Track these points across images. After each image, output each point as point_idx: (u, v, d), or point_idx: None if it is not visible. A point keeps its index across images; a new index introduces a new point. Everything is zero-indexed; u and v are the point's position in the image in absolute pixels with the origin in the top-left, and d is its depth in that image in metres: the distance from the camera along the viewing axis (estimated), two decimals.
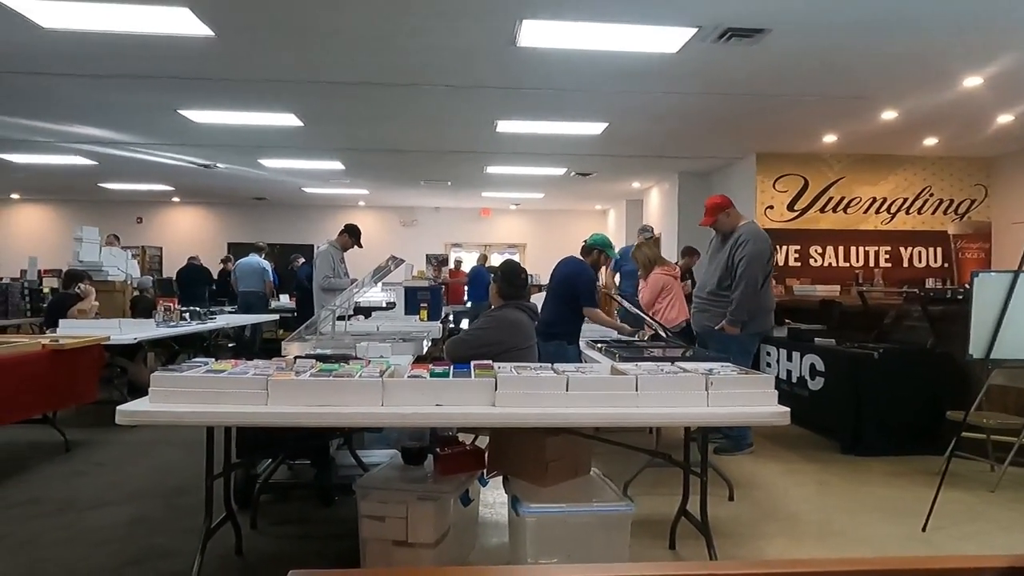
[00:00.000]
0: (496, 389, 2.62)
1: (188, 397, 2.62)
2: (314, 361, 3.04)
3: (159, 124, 8.02)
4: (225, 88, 6.45)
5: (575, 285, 5.01)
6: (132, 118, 7.78)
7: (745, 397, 2.68)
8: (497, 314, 4.05)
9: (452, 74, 5.95)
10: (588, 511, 2.74)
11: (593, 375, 2.84)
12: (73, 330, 5.65)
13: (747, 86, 6.21)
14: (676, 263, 7.50)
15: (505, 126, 7.80)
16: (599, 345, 4.79)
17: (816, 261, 9.32)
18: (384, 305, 9.52)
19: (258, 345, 9.89)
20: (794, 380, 5.86)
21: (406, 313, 8.66)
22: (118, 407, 2.56)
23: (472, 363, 3.01)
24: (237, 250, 14.40)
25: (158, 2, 4.54)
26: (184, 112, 7.36)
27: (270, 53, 5.52)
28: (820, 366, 5.59)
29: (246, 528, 3.35)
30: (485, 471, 3.16)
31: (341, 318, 5.51)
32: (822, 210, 9.29)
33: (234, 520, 3.12)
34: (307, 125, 7.82)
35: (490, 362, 3.09)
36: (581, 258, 5.22)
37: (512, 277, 4.14)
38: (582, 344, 4.95)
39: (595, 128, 7.87)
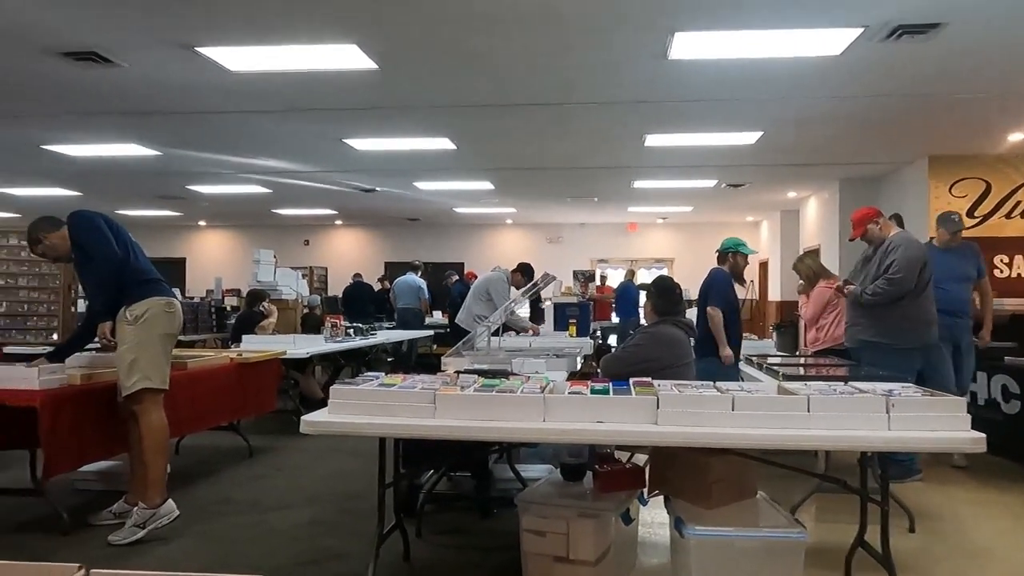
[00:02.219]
0: (658, 407, 2.59)
1: (363, 409, 2.78)
2: (476, 376, 3.15)
3: (326, 153, 8.62)
4: (386, 117, 6.84)
5: (707, 293, 4.92)
6: (303, 148, 8.41)
7: (932, 421, 2.48)
8: (652, 330, 4.01)
9: (601, 90, 5.98)
10: (758, 536, 2.64)
11: (760, 394, 2.73)
12: (255, 345, 6.17)
13: (918, 85, 5.79)
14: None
15: (654, 140, 7.72)
16: (758, 362, 4.61)
17: (1002, 272, 8.45)
18: (525, 319, 9.63)
19: (414, 359, 10.34)
20: (981, 403, 5.35)
21: (555, 329, 8.76)
22: (302, 417, 2.76)
23: (631, 380, 3.00)
24: (393, 269, 15.17)
25: (329, 41, 4.90)
26: (349, 141, 7.87)
27: (427, 81, 5.79)
28: (1014, 388, 5.07)
29: (411, 536, 3.50)
30: (646, 490, 3.12)
31: (495, 334, 5.65)
32: (1008, 215, 8.43)
33: (402, 528, 3.26)
34: (460, 148, 8.12)
35: (649, 379, 3.06)
36: (722, 268, 5.12)
37: (667, 293, 4.09)
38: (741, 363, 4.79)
39: (748, 138, 7.62)
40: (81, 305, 7.00)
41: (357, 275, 13.94)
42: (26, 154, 8.57)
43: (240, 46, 5.01)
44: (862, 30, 4.60)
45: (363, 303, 12.26)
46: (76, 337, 4.08)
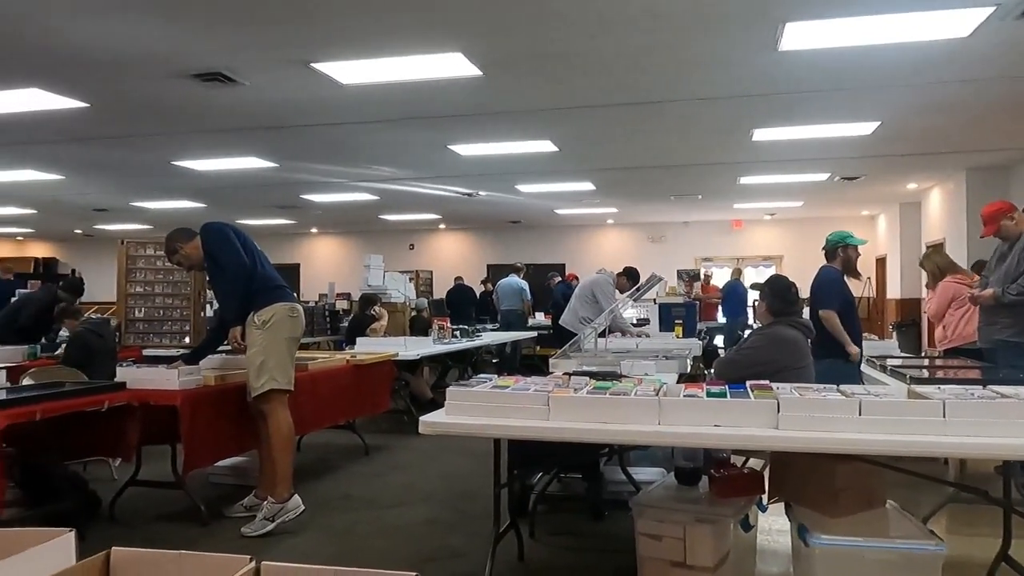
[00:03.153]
0: (779, 411, 2.52)
1: (478, 411, 2.84)
2: (588, 379, 3.15)
3: (431, 159, 8.83)
4: (490, 122, 6.94)
5: (817, 295, 4.69)
6: (409, 156, 8.65)
7: None
8: (768, 331, 3.89)
9: (707, 86, 5.85)
10: (890, 547, 2.51)
11: (889, 399, 2.60)
12: (368, 347, 6.40)
13: None
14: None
15: (762, 134, 7.48)
16: (881, 364, 4.39)
17: None
18: (635, 321, 9.54)
19: (518, 361, 10.44)
20: None
21: (660, 330, 8.63)
22: (421, 418, 2.85)
23: (748, 383, 2.92)
24: (495, 271, 15.37)
25: (436, 51, 5.02)
26: (453, 147, 8.03)
27: (531, 85, 5.84)
28: None
29: (524, 536, 3.54)
30: (765, 496, 3.04)
31: (601, 335, 5.63)
32: None
33: (517, 529, 3.31)
34: (562, 149, 8.14)
35: (767, 382, 2.98)
36: (832, 266, 4.85)
37: (782, 292, 3.96)
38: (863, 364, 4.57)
39: (865, 128, 7.26)
40: (209, 310, 7.47)
41: (459, 278, 14.22)
42: (158, 170, 9.22)
43: (352, 60, 5.20)
44: (994, 8, 4.29)
45: (465, 305, 12.48)
46: (209, 341, 4.37)
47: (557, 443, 2.99)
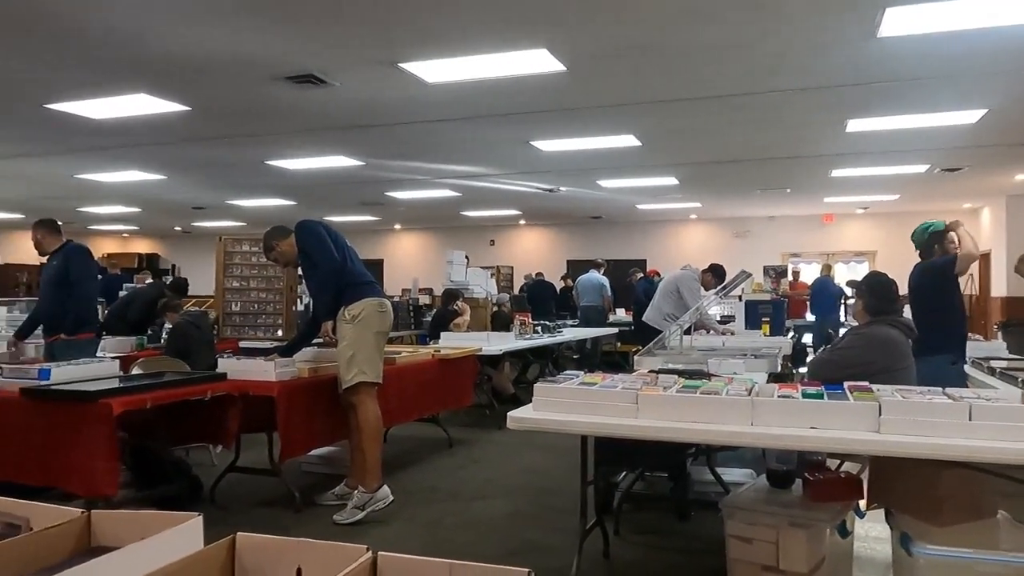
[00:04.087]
0: (880, 414, 2.42)
1: (566, 407, 2.84)
2: (676, 377, 3.11)
3: (513, 156, 8.87)
4: (572, 117, 6.91)
5: (916, 290, 4.45)
6: (491, 152, 8.72)
7: None
8: (865, 331, 3.73)
9: (800, 76, 5.66)
10: (1003, 560, 2.38)
11: (1001, 403, 2.47)
12: (452, 342, 6.49)
13: None
14: None
15: (857, 125, 7.18)
16: (988, 367, 4.16)
17: None
18: (719, 319, 9.33)
19: (599, 357, 10.39)
20: None
21: (746, 327, 8.40)
22: (508, 413, 2.87)
23: (846, 384, 2.82)
24: (575, 267, 15.32)
25: (520, 47, 5.03)
26: (535, 143, 8.05)
27: (615, 79, 5.78)
28: None
29: (610, 534, 3.52)
30: (863, 501, 2.93)
31: (687, 332, 5.53)
32: None
33: (603, 526, 3.30)
34: (645, 144, 8.04)
35: (867, 384, 2.87)
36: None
37: (881, 290, 3.79)
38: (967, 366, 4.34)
39: (969, 117, 6.86)
40: (300, 305, 7.74)
41: (539, 274, 14.24)
42: (252, 170, 9.61)
43: (437, 59, 5.27)
44: None
45: (546, 301, 12.49)
46: (302, 334, 4.53)
47: (644, 441, 2.97)
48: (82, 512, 1.14)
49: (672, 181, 10.74)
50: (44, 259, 5.12)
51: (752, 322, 8.51)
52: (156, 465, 4.08)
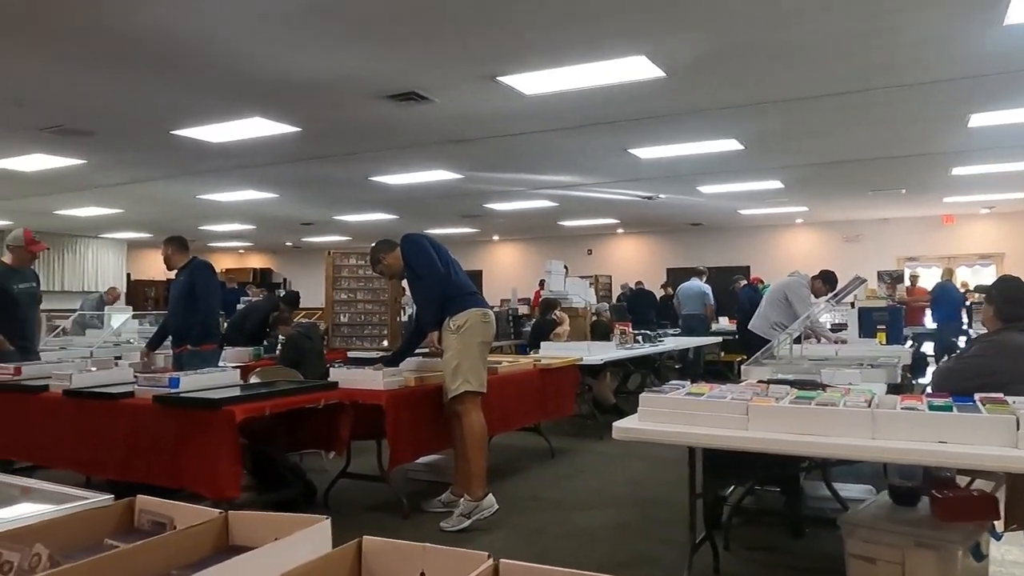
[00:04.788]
0: (1019, 428, 2.25)
1: (672, 417, 2.78)
2: (788, 387, 3.00)
3: (610, 164, 8.83)
4: (672, 123, 6.82)
5: None
6: (589, 162, 8.71)
7: None
8: (996, 338, 3.48)
9: (917, 70, 5.37)
10: None
11: None
12: (552, 351, 6.50)
13: None
14: None
15: (980, 119, 6.74)
16: None
17: None
18: (829, 327, 8.92)
19: (702, 367, 10.15)
20: None
21: (860, 336, 8.01)
22: (613, 424, 2.84)
23: (976, 396, 2.64)
24: (675, 275, 15.04)
25: (618, 56, 5.02)
26: (633, 150, 7.99)
27: (716, 83, 5.67)
28: None
29: (720, 548, 3.43)
30: (1000, 522, 2.72)
31: (797, 341, 5.33)
32: None
33: (712, 540, 3.21)
34: (748, 148, 7.83)
35: (1001, 395, 2.67)
36: None
37: (1014, 295, 3.53)
38: None
39: None
40: (404, 315, 7.95)
41: (639, 282, 14.08)
42: (357, 186, 9.98)
43: (535, 71, 5.33)
44: None
45: (645, 310, 12.32)
46: (407, 344, 4.66)
47: (754, 454, 2.87)
48: (220, 513, 1.22)
49: (776, 185, 10.40)
50: (171, 274, 5.47)
51: (867, 330, 8.09)
52: (274, 470, 4.28)
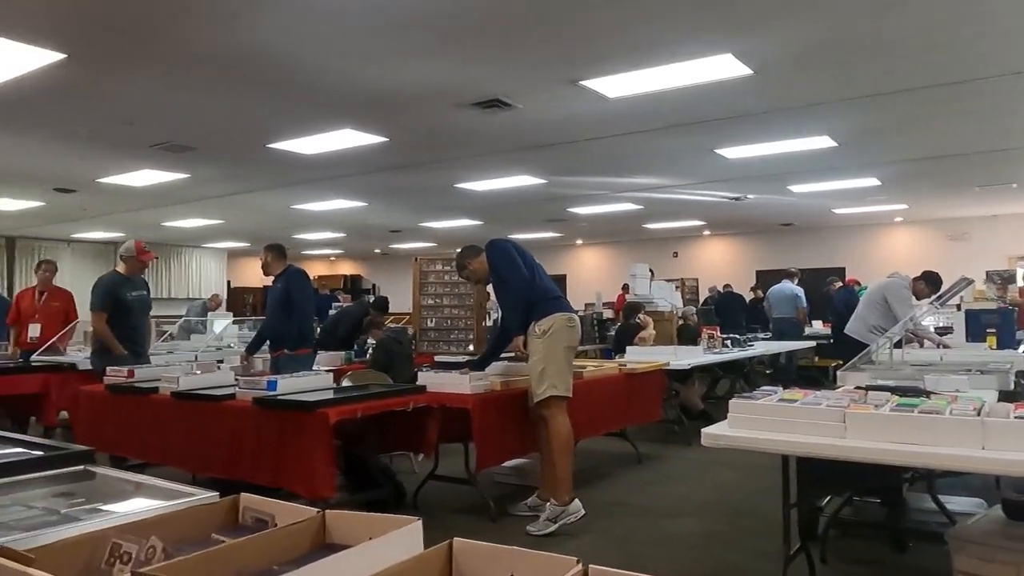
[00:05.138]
0: None
1: (764, 424, 2.71)
2: (889, 394, 2.87)
3: (696, 165, 8.67)
4: (761, 121, 6.64)
5: None
6: (674, 163, 8.58)
7: None
8: None
9: (1022, 58, 5.05)
10: None
11: None
12: (638, 356, 6.43)
13: None
14: None
15: None
16: None
17: None
18: (932, 330, 8.47)
19: (795, 372, 9.81)
20: None
21: (968, 340, 7.57)
22: (703, 430, 2.79)
23: None
24: (765, 277, 14.61)
25: (703, 55, 4.93)
26: (720, 151, 7.82)
27: (806, 79, 5.49)
28: None
29: (816, 561, 3.30)
30: None
31: (897, 346, 5.09)
32: None
33: (808, 552, 3.10)
34: (842, 144, 7.53)
35: None
36: None
37: None
38: None
39: None
40: (489, 320, 8.03)
41: (727, 285, 13.74)
42: (442, 193, 10.16)
43: (618, 74, 5.29)
44: None
45: (734, 313, 12.01)
46: (493, 348, 4.71)
47: (852, 463, 2.76)
48: (317, 512, 1.27)
49: (873, 182, 9.95)
50: (268, 282, 5.71)
51: (975, 334, 7.64)
52: (365, 471, 4.40)
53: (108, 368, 4.84)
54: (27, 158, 7.69)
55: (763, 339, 9.78)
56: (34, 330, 6.58)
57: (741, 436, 2.72)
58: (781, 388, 3.06)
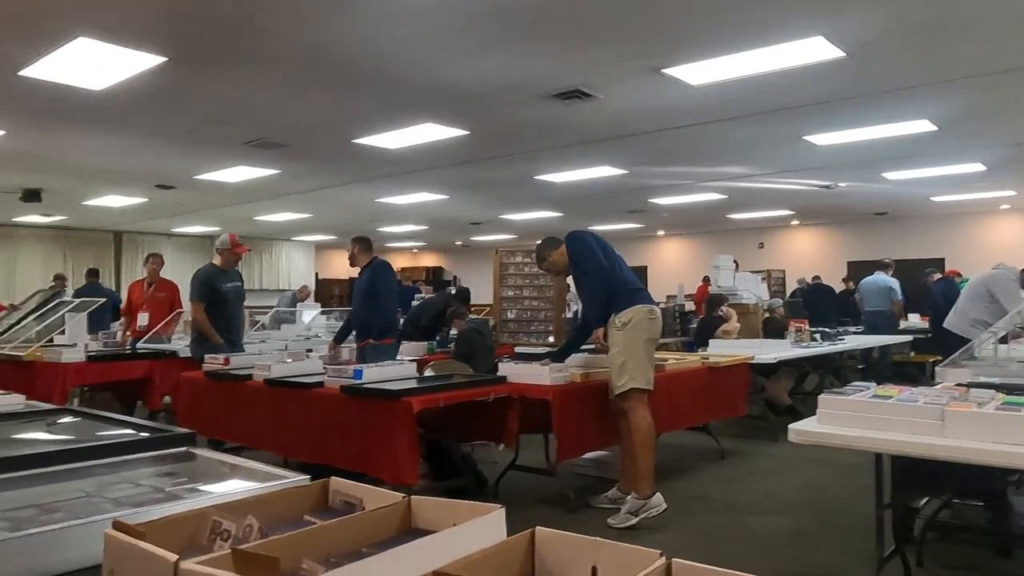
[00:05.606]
0: None
1: (855, 421, 2.61)
2: (993, 391, 2.72)
3: (784, 153, 8.40)
4: (854, 106, 6.37)
5: None
6: (760, 151, 8.33)
7: None
8: None
9: None
10: None
11: None
12: (722, 349, 6.29)
13: None
14: None
15: None
16: None
17: None
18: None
19: (889, 368, 9.40)
20: None
21: None
22: (790, 426, 2.71)
23: None
24: (857, 268, 14.03)
25: (792, 39, 4.76)
26: (809, 137, 7.54)
27: (902, 61, 5.23)
28: None
29: (912, 564, 3.17)
30: None
31: (1003, 341, 4.80)
32: None
33: (903, 555, 2.98)
34: (943, 128, 7.14)
35: None
36: None
37: None
38: None
39: None
40: (568, 312, 8.02)
41: (816, 277, 13.26)
42: (522, 185, 10.19)
43: (702, 61, 5.18)
44: None
45: (824, 306, 11.57)
46: (572, 340, 4.70)
47: (953, 464, 2.63)
48: (403, 497, 1.30)
49: (978, 168, 9.40)
50: (354, 273, 5.87)
51: None
52: (447, 459, 4.48)
53: (206, 356, 5.09)
54: (131, 157, 8.15)
55: (855, 333, 9.40)
56: (142, 319, 7.01)
57: (831, 433, 2.63)
58: (874, 384, 2.94)
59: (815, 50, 4.92)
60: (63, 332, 6.65)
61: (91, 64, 5.01)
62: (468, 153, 8.06)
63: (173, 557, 0.99)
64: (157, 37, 4.63)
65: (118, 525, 1.11)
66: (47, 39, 4.59)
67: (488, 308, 11.05)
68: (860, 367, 9.61)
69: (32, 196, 10.29)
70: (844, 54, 4.99)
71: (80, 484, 1.73)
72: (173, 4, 4.14)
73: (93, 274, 9.63)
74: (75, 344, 6.27)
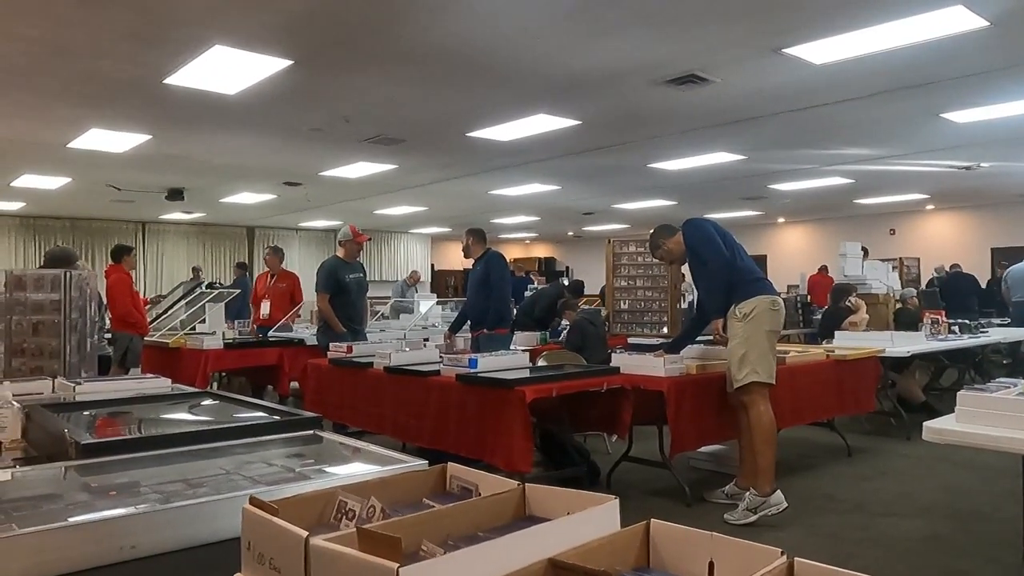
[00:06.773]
0: None
1: (1000, 420, 2.43)
2: None
3: (918, 132, 7.85)
4: (998, 80, 5.87)
5: None
6: (891, 131, 7.83)
7: None
8: None
9: None
10: None
11: None
12: (848, 341, 5.98)
13: None
14: None
15: None
16: None
17: None
18: None
19: None
20: None
21: None
22: (925, 424, 2.55)
23: None
24: (1003, 255, 12.96)
25: (926, 9, 4.44)
26: (947, 115, 7.02)
27: None
28: None
29: None
30: None
31: None
32: None
33: None
34: None
35: None
36: None
37: None
38: None
39: None
40: (684, 302, 7.85)
41: (955, 265, 12.37)
42: (636, 173, 10.04)
43: (826, 38, 4.92)
44: None
45: (964, 296, 10.76)
46: (688, 331, 4.60)
47: None
48: (518, 484, 1.32)
49: None
50: (468, 264, 5.99)
51: None
52: (560, 448, 4.51)
53: (331, 344, 5.35)
54: (261, 156, 8.65)
55: (999, 325, 8.69)
56: (264, 308, 7.45)
57: (972, 432, 2.46)
58: (1022, 381, 2.72)
59: (954, 20, 4.56)
60: (203, 321, 7.18)
61: (226, 70, 5.36)
62: (580, 142, 8.02)
63: (304, 533, 1.06)
64: (284, 42, 4.88)
65: (254, 501, 1.19)
66: (188, 49, 4.94)
67: (597, 299, 11.00)
68: (1006, 362, 8.86)
69: (176, 195, 11.14)
70: (987, 23, 4.61)
71: (220, 462, 1.87)
72: (297, 9, 4.35)
73: (242, 267, 10.31)
74: (214, 332, 6.75)
